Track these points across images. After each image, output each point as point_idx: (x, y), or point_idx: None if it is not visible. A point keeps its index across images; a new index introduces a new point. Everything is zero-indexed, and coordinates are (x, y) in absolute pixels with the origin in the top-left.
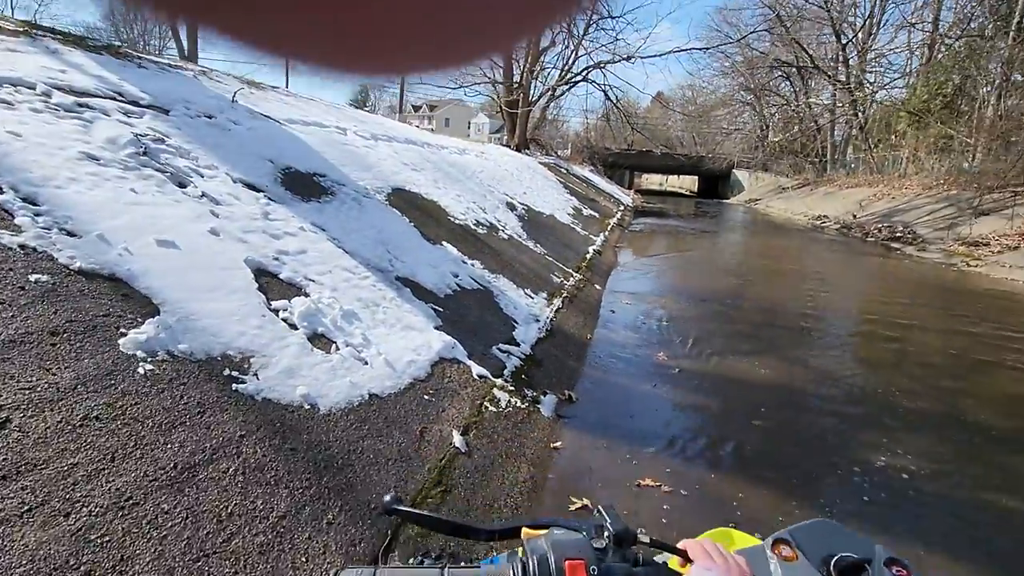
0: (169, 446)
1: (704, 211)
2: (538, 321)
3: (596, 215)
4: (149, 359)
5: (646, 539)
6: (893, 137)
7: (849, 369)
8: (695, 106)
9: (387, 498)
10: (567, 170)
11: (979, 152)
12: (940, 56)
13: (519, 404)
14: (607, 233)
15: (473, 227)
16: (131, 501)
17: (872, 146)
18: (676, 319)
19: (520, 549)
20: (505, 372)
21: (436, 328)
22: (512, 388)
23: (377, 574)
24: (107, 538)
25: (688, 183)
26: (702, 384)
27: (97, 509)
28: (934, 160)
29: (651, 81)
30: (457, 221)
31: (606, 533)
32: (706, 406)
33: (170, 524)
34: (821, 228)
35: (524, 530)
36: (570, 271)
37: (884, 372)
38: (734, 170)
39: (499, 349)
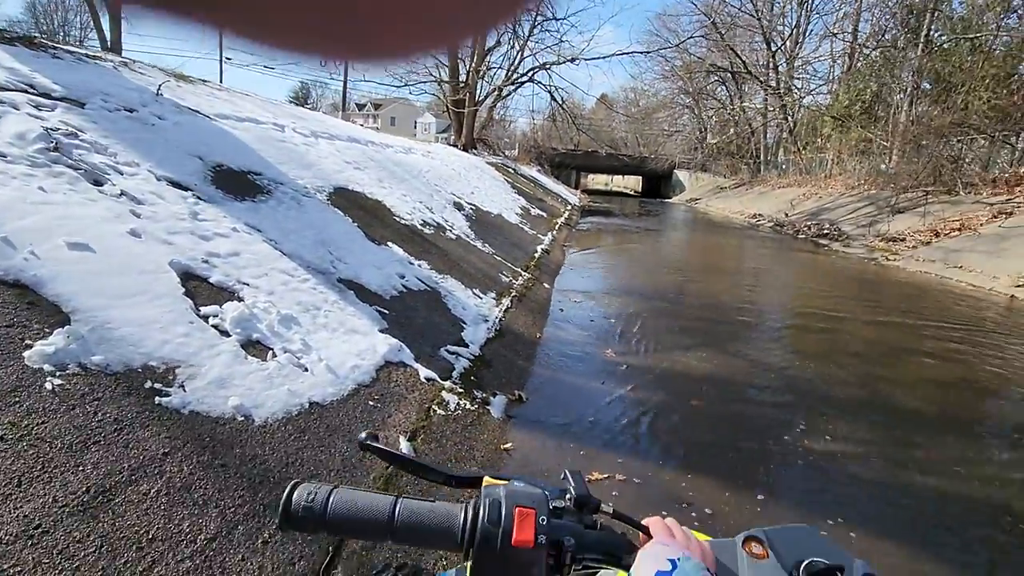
0: (82, 468)
1: (648, 210)
2: (487, 321)
3: (544, 215)
4: (59, 373)
5: (608, 509)
6: (819, 140)
7: (784, 359)
8: (638, 108)
9: (362, 435)
10: (515, 170)
11: (894, 154)
12: (859, 64)
13: (468, 406)
14: (555, 232)
15: (420, 227)
16: (41, 529)
17: (800, 148)
18: (623, 316)
19: (478, 494)
20: (454, 374)
21: (382, 331)
22: (461, 390)
23: (334, 493)
24: (17, 569)
25: (632, 183)
26: (648, 378)
27: (6, 537)
28: (855, 162)
29: (595, 83)
30: (403, 221)
31: (568, 496)
32: (653, 399)
33: (83, 554)
34: (756, 226)
35: (486, 479)
36: (519, 270)
37: (816, 361)
38: (676, 171)
39: (447, 351)
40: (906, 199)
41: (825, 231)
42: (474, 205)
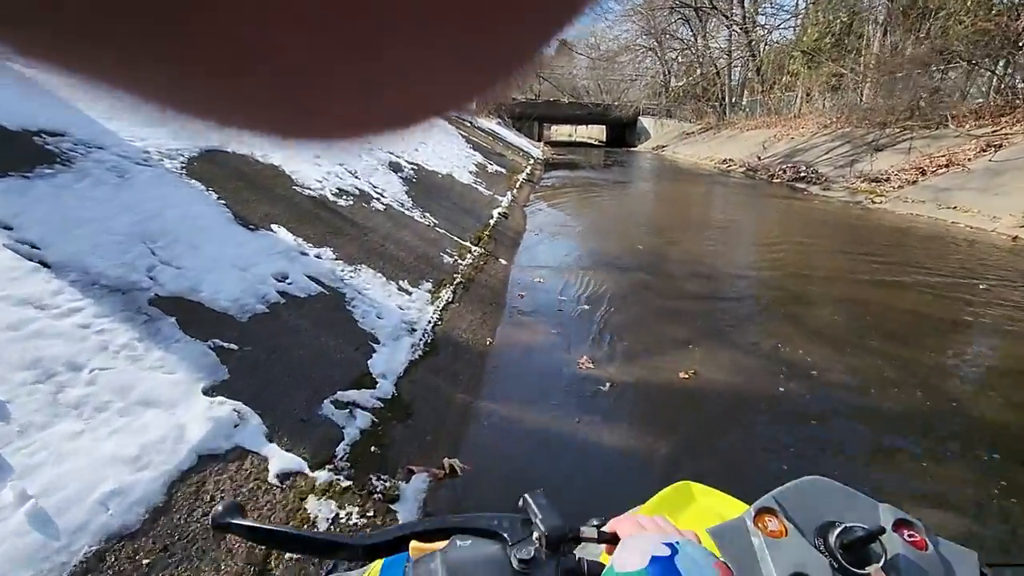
0: None
1: (614, 160)
2: (413, 332)
3: (503, 171)
4: None
5: (592, 533)
6: (787, 78)
7: (789, 361)
8: (599, 52)
9: (219, 508)
10: (471, 123)
11: (867, 89)
12: None
13: (356, 510)
14: (515, 191)
15: (332, 199)
16: None
17: (768, 88)
18: (598, 300)
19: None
20: (339, 451)
21: (210, 390)
22: (347, 483)
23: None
24: None
25: (596, 133)
26: (638, 406)
27: None
28: (827, 99)
29: None
30: (308, 192)
31: (535, 534)
32: (650, 446)
33: None
34: (727, 172)
35: (413, 544)
36: (468, 244)
37: (821, 346)
38: (640, 118)
39: (336, 403)
40: (885, 136)
41: (802, 174)
42: (416, 165)
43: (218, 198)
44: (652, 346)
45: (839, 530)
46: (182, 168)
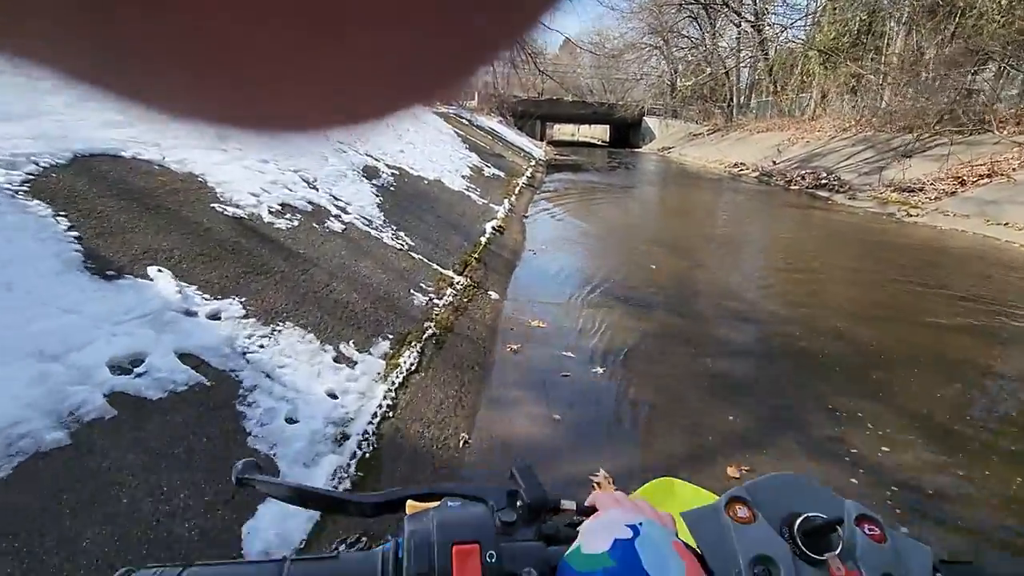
0: None
1: (619, 162)
2: (344, 441)
3: (501, 174)
4: None
5: (571, 506)
6: (801, 79)
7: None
8: (603, 51)
9: (239, 465)
10: (470, 121)
11: (886, 91)
12: None
13: None
14: (513, 199)
15: (268, 219)
16: None
17: (780, 88)
18: (614, 359)
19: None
20: None
21: None
22: None
23: (185, 574)
24: None
25: (599, 132)
26: None
27: None
28: (844, 101)
29: (559, 26)
30: (231, 212)
31: (519, 502)
32: None
33: None
34: (739, 177)
35: (409, 503)
36: (451, 274)
37: (927, 437)
38: (645, 118)
39: None
40: (913, 141)
41: (823, 181)
42: (398, 169)
43: (68, 228)
44: (693, 445)
45: (801, 519)
46: (24, 183)
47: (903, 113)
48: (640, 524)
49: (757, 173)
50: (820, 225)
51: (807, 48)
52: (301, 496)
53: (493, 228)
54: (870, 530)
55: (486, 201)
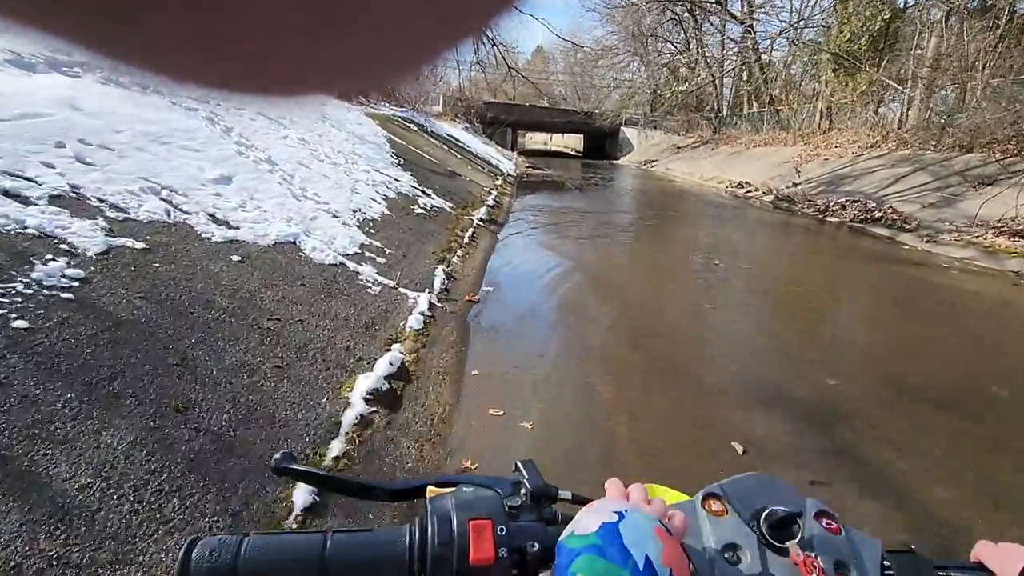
0: None
1: (600, 177)
2: None
3: (447, 207)
4: None
5: (567, 495)
6: (815, 84)
7: None
8: (577, 59)
9: (277, 456)
10: (420, 127)
11: (916, 102)
12: None
13: None
14: (460, 253)
15: None
16: None
17: (784, 98)
18: None
19: (422, 510)
20: None
21: None
22: None
23: (245, 543)
24: None
25: (573, 142)
26: None
27: None
28: (866, 112)
29: (531, 34)
30: None
31: (523, 491)
32: None
33: None
34: (747, 200)
35: (429, 488)
36: None
37: None
38: (623, 128)
39: None
40: (982, 162)
41: (874, 213)
42: (147, 243)
43: None
44: None
45: (766, 512)
46: None
47: (963, 128)
48: (626, 511)
49: (771, 196)
50: (921, 292)
51: (815, 52)
52: (332, 483)
53: (378, 389)
54: (827, 524)
55: (392, 283)
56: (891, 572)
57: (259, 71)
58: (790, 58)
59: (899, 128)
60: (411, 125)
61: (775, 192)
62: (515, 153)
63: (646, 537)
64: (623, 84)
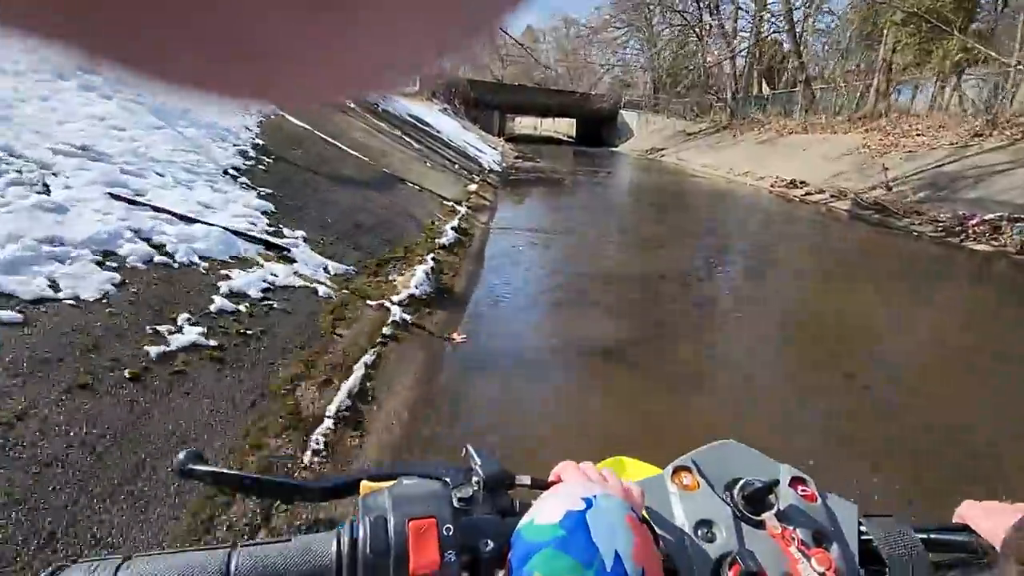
0: None
1: (605, 171)
2: None
3: (326, 286)
4: None
5: (526, 480)
6: (874, 55)
7: None
8: (574, 29)
9: (181, 456)
10: (372, 107)
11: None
12: None
13: None
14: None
15: None
16: None
17: (815, 76)
18: None
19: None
20: None
21: None
22: None
23: (123, 568)
24: None
25: (565, 127)
26: None
27: None
28: (958, 90)
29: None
30: None
31: (475, 479)
32: None
33: None
34: (805, 203)
35: (363, 484)
36: None
37: None
38: (621, 111)
39: None
40: None
41: None
42: None
43: None
44: None
45: (740, 483)
46: None
47: None
48: (595, 497)
49: (845, 202)
50: None
51: (878, 16)
52: (250, 485)
53: None
54: (803, 491)
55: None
56: (868, 538)
57: (268, 78)
58: (836, 23)
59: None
60: (352, 105)
61: (853, 196)
62: (501, 140)
63: (616, 529)
64: (621, 63)
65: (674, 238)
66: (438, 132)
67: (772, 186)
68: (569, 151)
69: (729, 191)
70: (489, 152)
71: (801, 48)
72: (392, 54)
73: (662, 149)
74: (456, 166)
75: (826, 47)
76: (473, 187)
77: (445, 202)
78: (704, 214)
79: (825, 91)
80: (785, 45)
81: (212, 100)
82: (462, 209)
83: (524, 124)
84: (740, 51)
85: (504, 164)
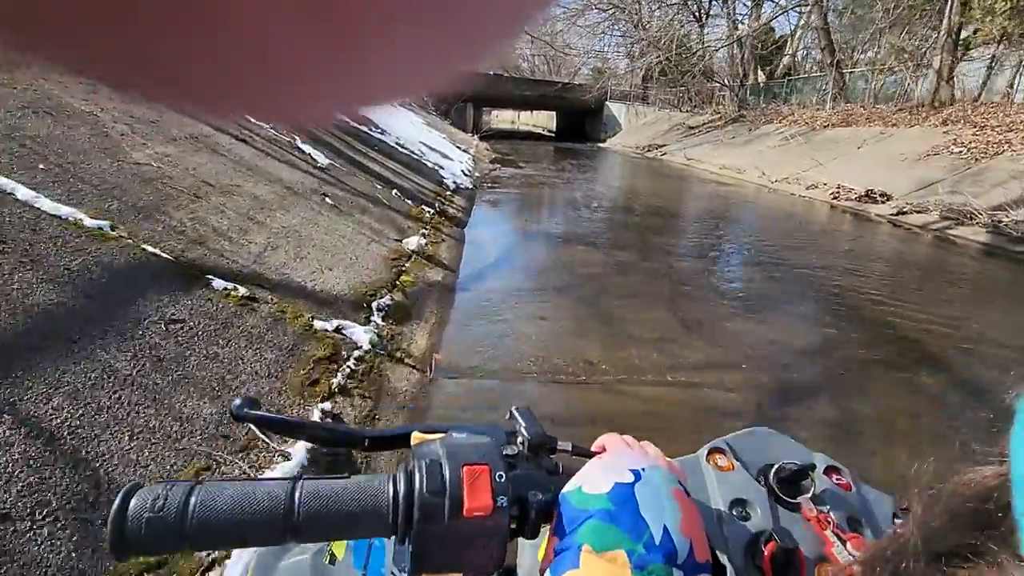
0: None
1: (605, 172)
2: None
3: None
4: None
5: (567, 446)
6: (931, 32)
7: None
8: (553, 12)
9: (236, 402)
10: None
11: None
12: None
13: None
14: None
15: None
16: None
17: (845, 59)
18: None
19: (408, 457)
20: None
21: None
22: None
23: (197, 491)
24: None
25: (544, 120)
26: None
27: None
28: None
29: None
30: None
31: (520, 439)
32: None
33: None
34: (898, 225)
35: (415, 435)
36: None
37: None
38: (607, 103)
39: None
40: None
41: None
42: None
43: None
44: None
45: (776, 467)
46: None
47: None
48: (643, 469)
49: (983, 227)
50: None
51: None
52: (300, 430)
53: None
54: (838, 479)
55: None
56: None
57: (282, 99)
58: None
59: None
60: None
61: (995, 221)
62: (475, 138)
63: (664, 503)
64: (607, 50)
65: (773, 297)
66: (382, 138)
67: (835, 198)
68: (552, 151)
69: (776, 206)
70: (457, 158)
71: (837, 22)
72: (397, 77)
73: (662, 146)
74: (397, 194)
75: (854, 23)
76: (412, 242)
77: (322, 334)
78: (770, 242)
79: (852, 76)
80: (802, 22)
81: (215, 115)
82: (362, 339)
83: (502, 118)
84: (751, 33)
85: (477, 173)
